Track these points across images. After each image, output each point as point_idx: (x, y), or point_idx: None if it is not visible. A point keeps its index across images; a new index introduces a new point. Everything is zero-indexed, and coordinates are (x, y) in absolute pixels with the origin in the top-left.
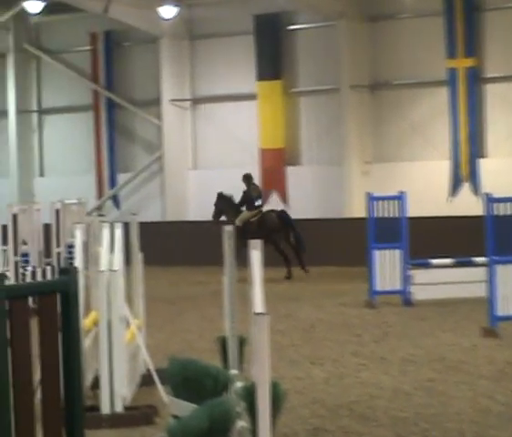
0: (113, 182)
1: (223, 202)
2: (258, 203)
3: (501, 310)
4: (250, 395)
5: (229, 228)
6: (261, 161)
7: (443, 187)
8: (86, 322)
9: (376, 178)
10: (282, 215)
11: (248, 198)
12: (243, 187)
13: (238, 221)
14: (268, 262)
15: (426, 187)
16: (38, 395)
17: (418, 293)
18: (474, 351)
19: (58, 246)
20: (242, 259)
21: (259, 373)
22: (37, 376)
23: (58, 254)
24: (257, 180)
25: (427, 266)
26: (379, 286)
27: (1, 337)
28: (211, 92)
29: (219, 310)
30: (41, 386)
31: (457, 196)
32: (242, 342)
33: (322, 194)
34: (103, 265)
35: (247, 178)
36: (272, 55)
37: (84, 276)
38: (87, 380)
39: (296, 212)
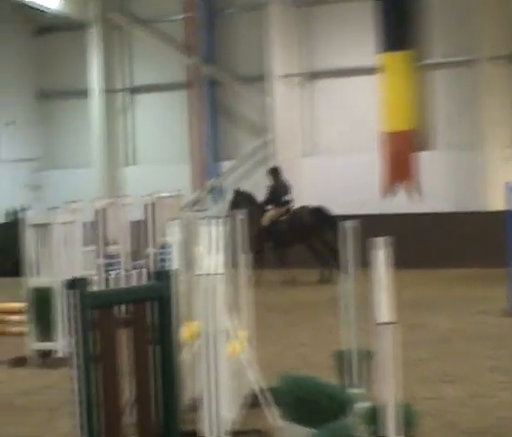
0: (213, 171)
1: (241, 200)
2: (286, 198)
3: None
4: (375, 418)
5: (349, 225)
6: (385, 146)
7: None
8: (184, 334)
9: None
10: (318, 212)
11: (274, 194)
12: (358, 175)
13: (264, 220)
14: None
15: None
16: (128, 417)
17: None
18: None
19: (150, 246)
20: (272, 261)
21: (384, 393)
22: (126, 396)
23: (150, 255)
24: (380, 168)
25: None
26: None
27: (85, 351)
28: (328, 66)
29: (337, 320)
30: (132, 407)
31: None
32: (366, 357)
33: (459, 184)
34: (203, 268)
35: (274, 172)
36: (399, 21)
37: (181, 281)
38: (186, 400)
39: (428, 205)
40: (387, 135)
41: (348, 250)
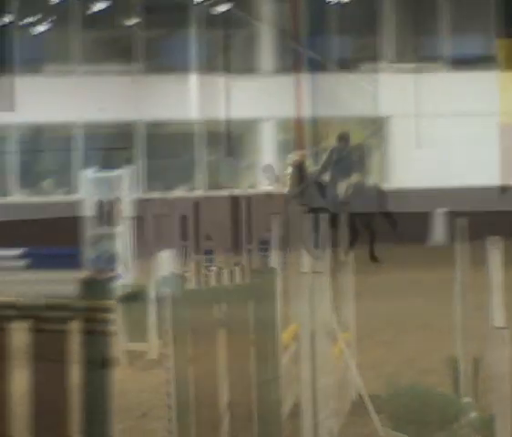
0: (316, 163)
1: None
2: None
3: None
4: (487, 429)
5: (461, 222)
6: (503, 139)
7: None
8: (284, 336)
9: None
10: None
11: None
12: (473, 169)
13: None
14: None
15: None
16: (225, 426)
17: None
18: None
19: (249, 241)
20: None
21: (497, 402)
22: (224, 401)
23: (249, 251)
24: (498, 161)
25: None
26: None
27: (180, 353)
28: (439, 52)
29: (449, 321)
30: (229, 414)
31: None
32: (476, 363)
33: None
34: (305, 265)
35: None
36: None
37: (282, 279)
38: (285, 407)
39: None
40: (505, 127)
41: (460, 248)
